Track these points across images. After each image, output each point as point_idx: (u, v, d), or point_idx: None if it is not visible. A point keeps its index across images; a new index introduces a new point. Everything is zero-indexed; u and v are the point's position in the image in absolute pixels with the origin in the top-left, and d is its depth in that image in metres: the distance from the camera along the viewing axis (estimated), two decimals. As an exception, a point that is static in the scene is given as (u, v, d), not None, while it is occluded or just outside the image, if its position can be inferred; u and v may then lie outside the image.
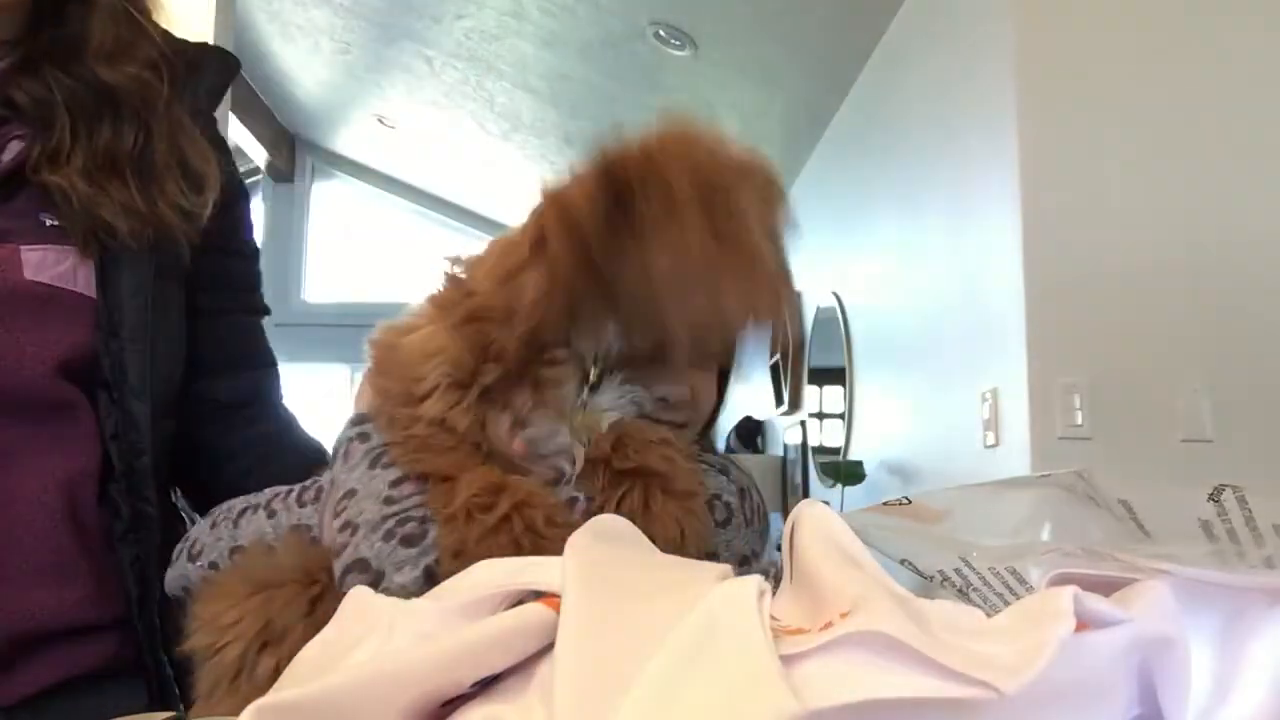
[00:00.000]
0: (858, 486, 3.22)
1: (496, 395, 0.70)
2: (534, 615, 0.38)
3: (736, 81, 3.84)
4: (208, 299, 0.98)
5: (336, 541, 0.69)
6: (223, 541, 0.79)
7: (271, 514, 0.79)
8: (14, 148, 0.85)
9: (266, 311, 1.07)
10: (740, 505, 0.80)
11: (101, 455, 0.87)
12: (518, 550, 0.63)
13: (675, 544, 0.68)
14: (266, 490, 0.82)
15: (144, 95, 0.87)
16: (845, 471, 3.29)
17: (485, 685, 0.37)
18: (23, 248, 0.84)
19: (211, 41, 2.47)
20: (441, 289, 0.74)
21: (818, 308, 3.95)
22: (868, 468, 3.25)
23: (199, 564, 0.80)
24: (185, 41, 0.95)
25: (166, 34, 0.93)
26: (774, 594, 0.40)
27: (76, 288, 0.86)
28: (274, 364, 1.07)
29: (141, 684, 0.91)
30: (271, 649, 0.67)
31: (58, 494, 0.85)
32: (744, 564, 0.78)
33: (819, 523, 0.43)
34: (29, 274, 0.84)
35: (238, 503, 0.83)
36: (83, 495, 0.86)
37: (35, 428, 0.86)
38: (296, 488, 0.80)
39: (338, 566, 0.68)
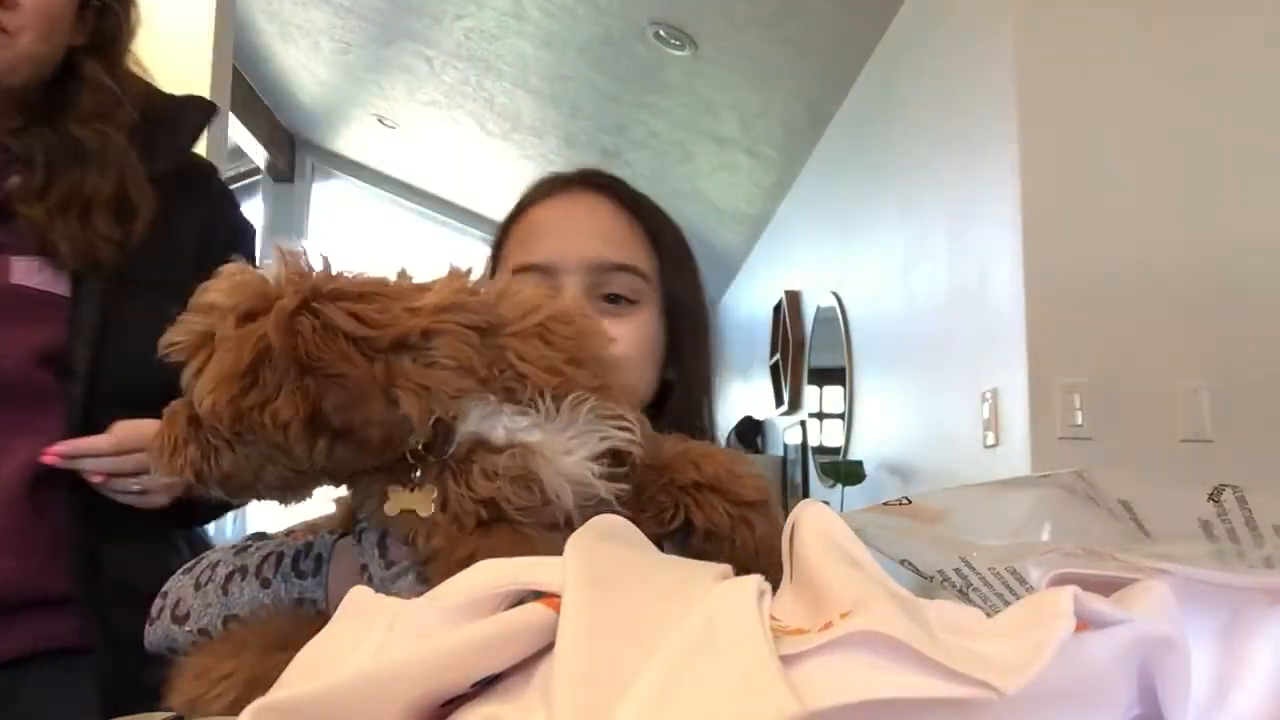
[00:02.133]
0: (858, 486, 3.22)
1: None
2: (534, 615, 0.38)
3: (736, 81, 3.83)
4: None
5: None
6: (213, 608, 0.75)
7: (265, 584, 0.74)
8: (14, 181, 1.07)
9: None
10: None
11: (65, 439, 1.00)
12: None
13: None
14: (252, 549, 0.78)
15: (104, 147, 1.07)
16: (845, 471, 3.29)
17: (485, 685, 0.37)
18: (13, 257, 1.03)
19: (211, 41, 2.47)
20: None
21: (818, 308, 3.95)
22: (868, 468, 3.24)
23: (188, 629, 0.75)
24: (170, 96, 1.17)
25: (153, 92, 1.15)
26: (774, 594, 0.40)
27: (57, 290, 1.03)
28: None
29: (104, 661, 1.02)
30: None
31: (23, 474, 1.00)
32: None
33: (819, 523, 0.43)
34: (15, 279, 1.02)
35: (220, 563, 0.77)
36: (46, 476, 1.00)
37: (12, 415, 1.01)
38: (291, 551, 0.76)
39: None
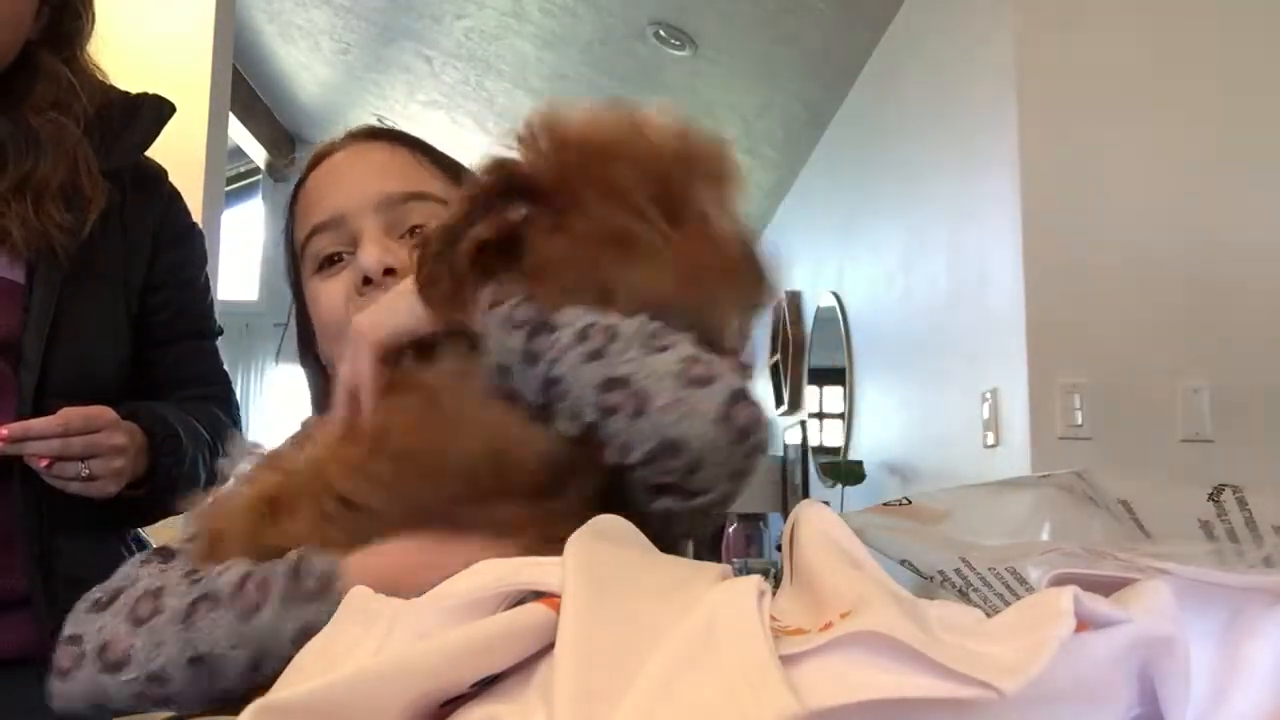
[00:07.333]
0: (858, 486, 3.22)
1: None
2: (534, 615, 0.38)
3: (736, 81, 3.83)
4: (163, 329, 1.15)
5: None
6: (168, 646, 0.60)
7: (253, 610, 0.59)
8: None
9: (219, 333, 1.25)
10: None
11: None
12: None
13: None
14: (200, 573, 0.63)
15: (58, 136, 1.06)
16: (845, 471, 3.28)
17: (485, 685, 0.37)
18: None
19: (211, 41, 2.47)
20: None
21: (818, 308, 3.95)
22: (868, 468, 3.24)
23: (128, 677, 0.60)
24: (126, 94, 1.17)
25: (110, 90, 1.15)
26: (774, 594, 0.40)
27: (12, 277, 1.03)
28: (224, 381, 1.23)
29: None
30: None
31: None
32: None
33: (819, 523, 0.43)
34: None
35: (163, 590, 0.63)
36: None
37: None
38: (282, 569, 0.60)
39: None
